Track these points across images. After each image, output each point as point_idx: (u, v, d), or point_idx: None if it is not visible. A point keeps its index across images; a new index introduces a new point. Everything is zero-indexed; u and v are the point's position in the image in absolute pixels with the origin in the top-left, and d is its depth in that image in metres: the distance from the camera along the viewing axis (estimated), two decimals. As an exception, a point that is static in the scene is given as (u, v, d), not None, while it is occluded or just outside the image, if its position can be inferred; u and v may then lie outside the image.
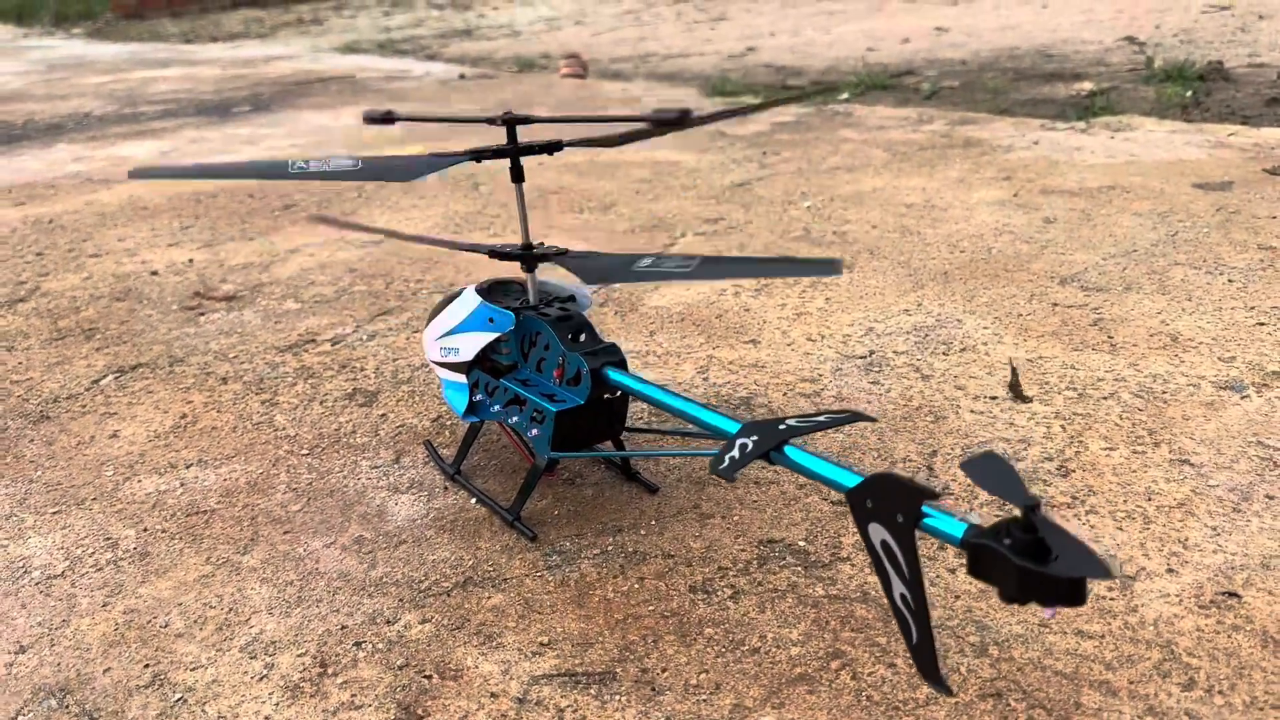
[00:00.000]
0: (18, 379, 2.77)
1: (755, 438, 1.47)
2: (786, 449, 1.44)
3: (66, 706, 1.53)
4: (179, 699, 1.53)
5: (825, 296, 2.98)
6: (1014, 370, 2.35)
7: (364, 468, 2.19)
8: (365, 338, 2.88)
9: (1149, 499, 1.88)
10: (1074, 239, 3.38)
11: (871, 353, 2.58)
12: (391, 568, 1.82)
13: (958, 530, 1.18)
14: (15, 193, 5.16)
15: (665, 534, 1.87)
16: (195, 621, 1.71)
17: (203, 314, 3.17)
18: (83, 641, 1.68)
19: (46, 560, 1.92)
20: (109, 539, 1.98)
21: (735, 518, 1.90)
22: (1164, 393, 2.27)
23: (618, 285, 3.08)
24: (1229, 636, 1.52)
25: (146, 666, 1.61)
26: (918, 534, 1.21)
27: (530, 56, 10.03)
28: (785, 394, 2.38)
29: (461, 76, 8.93)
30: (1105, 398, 2.27)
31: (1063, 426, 2.15)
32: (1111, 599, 1.61)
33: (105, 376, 2.74)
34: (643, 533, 1.88)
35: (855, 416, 1.51)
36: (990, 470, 1.22)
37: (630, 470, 2.05)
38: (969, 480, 1.83)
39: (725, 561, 1.77)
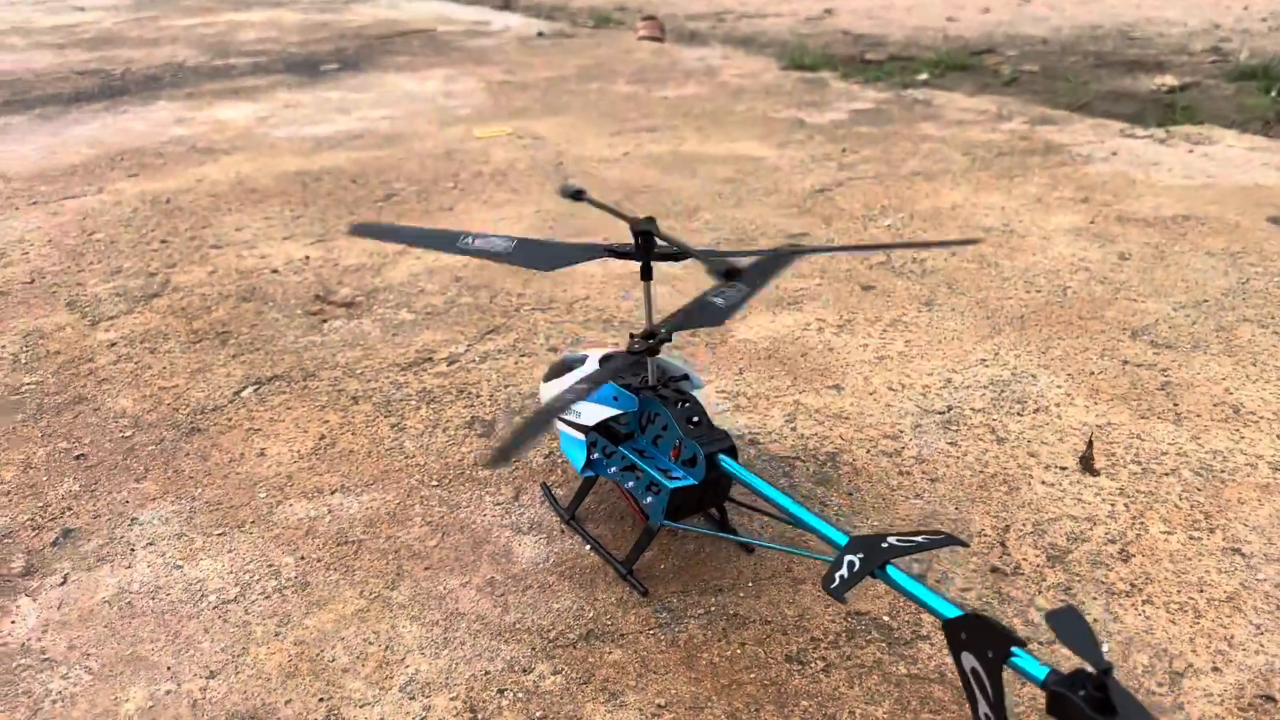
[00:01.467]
0: (164, 385, 3.06)
1: (861, 555, 1.69)
2: (889, 568, 1.66)
3: (263, 737, 1.82)
4: (356, 737, 1.82)
5: (905, 339, 3.17)
6: (1090, 443, 2.54)
7: (488, 503, 2.45)
8: (477, 359, 3.13)
9: (1200, 590, 2.08)
10: (1147, 281, 3.52)
11: (949, 408, 2.78)
12: (522, 614, 2.09)
13: (1040, 673, 1.41)
14: (127, 160, 5.44)
15: (762, 598, 2.11)
16: (358, 657, 1.99)
17: (325, 320, 3.43)
18: (264, 671, 1.97)
19: (220, 585, 2.21)
20: (271, 566, 2.27)
21: (819, 592, 2.13)
22: (1222, 471, 2.46)
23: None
24: (1263, 740, 1.74)
25: (321, 700, 1.90)
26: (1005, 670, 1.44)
27: (606, 10, 10.07)
28: (869, 451, 2.59)
29: (540, 34, 9.04)
30: (1167, 474, 2.45)
31: (1126, 505, 2.35)
32: (1160, 694, 1.84)
33: (245, 388, 3.02)
34: (741, 595, 2.13)
35: (950, 540, 1.73)
36: (1071, 625, 1.45)
37: (726, 523, 2.28)
38: (1049, 607, 2.05)
39: (817, 632, 2.02)
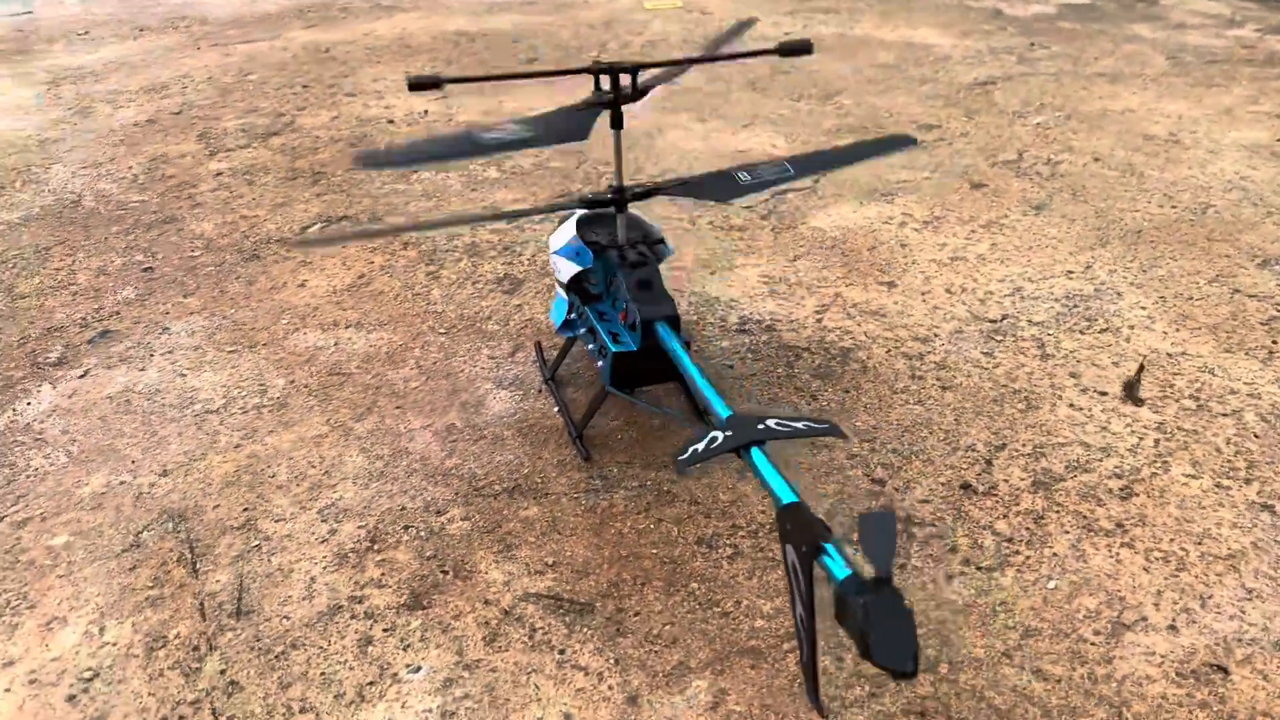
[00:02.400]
0: (247, 214, 3.21)
1: (730, 433, 1.56)
2: (754, 450, 1.52)
3: (177, 532, 1.91)
4: (255, 545, 1.87)
5: (993, 242, 2.87)
6: (1140, 368, 2.23)
7: (483, 356, 2.43)
8: (537, 220, 3.09)
9: (1199, 543, 1.80)
10: (1315, 208, 3.01)
11: (1004, 318, 2.50)
12: (463, 460, 2.07)
13: (840, 575, 1.26)
14: (314, 12, 5.68)
15: (703, 480, 2.00)
16: (296, 477, 2.05)
17: (415, 171, 3.48)
18: (209, 477, 2.06)
19: (210, 396, 2.32)
20: (262, 385, 2.35)
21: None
22: (1298, 422, 2.09)
23: (748, 199, 3.07)
24: (1189, 714, 1.49)
25: (245, 510, 1.97)
26: (816, 567, 1.30)
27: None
28: (889, 351, 2.38)
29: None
30: (1225, 414, 2.12)
31: (1156, 441, 2.05)
32: (1094, 643, 1.61)
33: (314, 224, 3.12)
34: (675, 472, 2.02)
35: (831, 430, 1.56)
36: (878, 529, 1.28)
37: (700, 410, 2.16)
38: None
39: (741, 520, 1.89)
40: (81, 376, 2.41)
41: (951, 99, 4.05)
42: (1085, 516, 1.86)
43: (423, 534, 1.89)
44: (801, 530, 1.33)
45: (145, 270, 2.89)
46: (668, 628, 1.67)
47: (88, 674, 1.62)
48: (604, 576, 1.77)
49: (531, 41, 4.93)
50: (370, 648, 1.65)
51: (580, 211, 2.18)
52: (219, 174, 3.50)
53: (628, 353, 1.94)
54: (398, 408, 2.26)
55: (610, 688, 1.57)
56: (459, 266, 2.85)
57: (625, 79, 1.92)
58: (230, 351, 2.49)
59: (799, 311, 2.57)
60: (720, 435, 1.56)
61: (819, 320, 2.53)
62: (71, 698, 1.58)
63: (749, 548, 1.83)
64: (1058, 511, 1.88)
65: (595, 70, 1.90)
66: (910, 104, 4.00)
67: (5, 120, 4.10)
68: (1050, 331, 2.43)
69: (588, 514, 1.92)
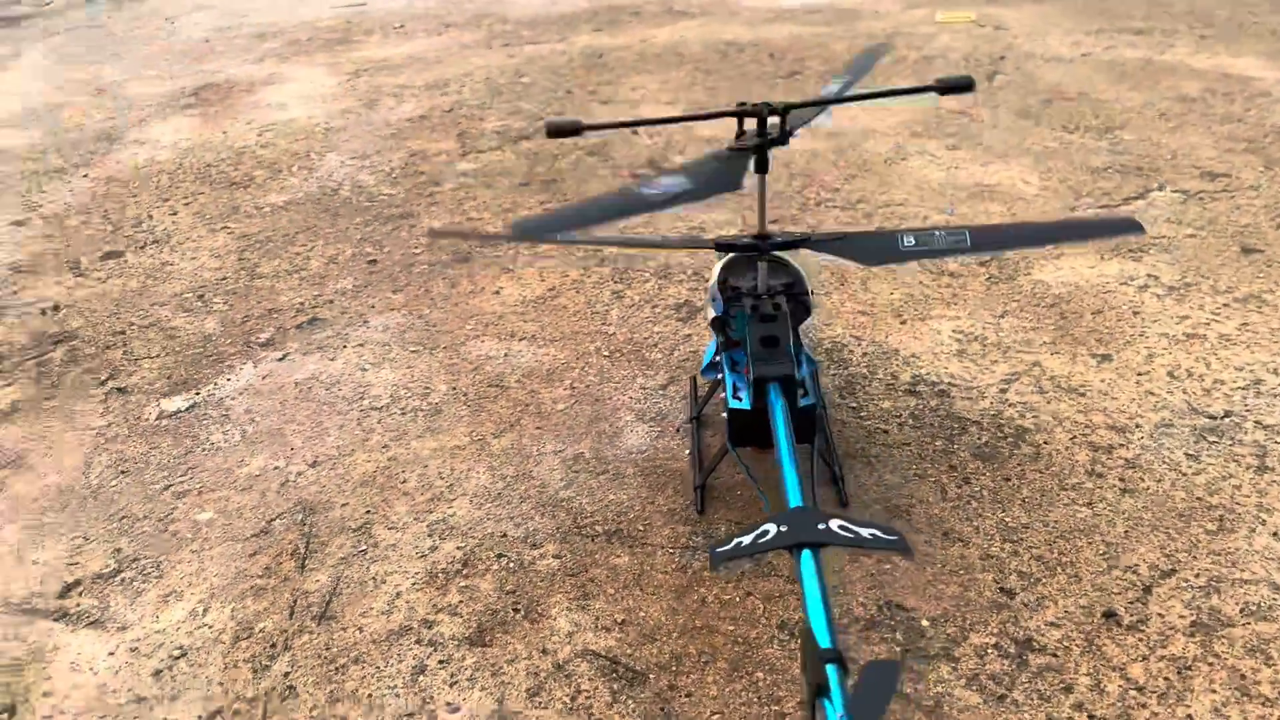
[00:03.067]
0: (474, 216, 3.35)
1: (785, 528, 1.43)
2: (806, 553, 1.39)
3: (302, 525, 2.03)
4: (362, 550, 1.95)
5: (1244, 320, 2.47)
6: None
7: (636, 385, 2.39)
8: (739, 245, 3.00)
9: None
10: None
11: (1227, 415, 2.14)
12: (577, 493, 2.05)
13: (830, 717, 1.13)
14: (606, 15, 5.83)
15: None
16: (422, 486, 2.11)
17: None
18: (349, 474, 2.17)
19: (379, 393, 2.44)
20: (427, 389, 2.44)
21: (894, 568, 1.82)
22: None
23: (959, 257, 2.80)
24: None
25: (367, 512, 2.05)
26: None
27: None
28: (1073, 439, 2.11)
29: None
30: None
31: (1373, 600, 1.68)
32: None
33: (528, 231, 3.21)
34: None
35: (898, 546, 1.39)
36: (879, 681, 1.14)
37: (838, 479, 2.01)
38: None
39: (837, 611, 1.74)
40: (280, 359, 2.61)
41: (1254, 143, 3.52)
42: (1244, 676, 1.55)
43: (512, 565, 1.89)
44: (814, 665, 1.20)
45: (370, 263, 3.08)
46: (715, 718, 1.56)
47: (177, 652, 1.75)
48: (670, 646, 1.69)
49: (800, 55, 4.80)
50: (421, 677, 1.67)
51: (727, 258, 2.09)
52: (463, 174, 3.68)
53: (741, 410, 1.84)
54: (538, 428, 2.27)
55: (631, 770, 1.49)
56: (644, 288, 2.82)
57: (773, 120, 1.81)
58: (412, 351, 2.60)
59: (984, 378, 2.33)
60: (774, 529, 1.43)
61: (1003, 391, 2.28)
62: (157, 673, 1.72)
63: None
64: (1211, 664, 1.58)
65: (740, 114, 1.81)
66: (1201, 145, 3.52)
67: (305, 107, 4.53)
68: (1279, 440, 2.06)
69: (677, 573, 1.84)
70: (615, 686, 1.63)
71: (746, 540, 1.44)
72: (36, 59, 5.65)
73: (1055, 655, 1.63)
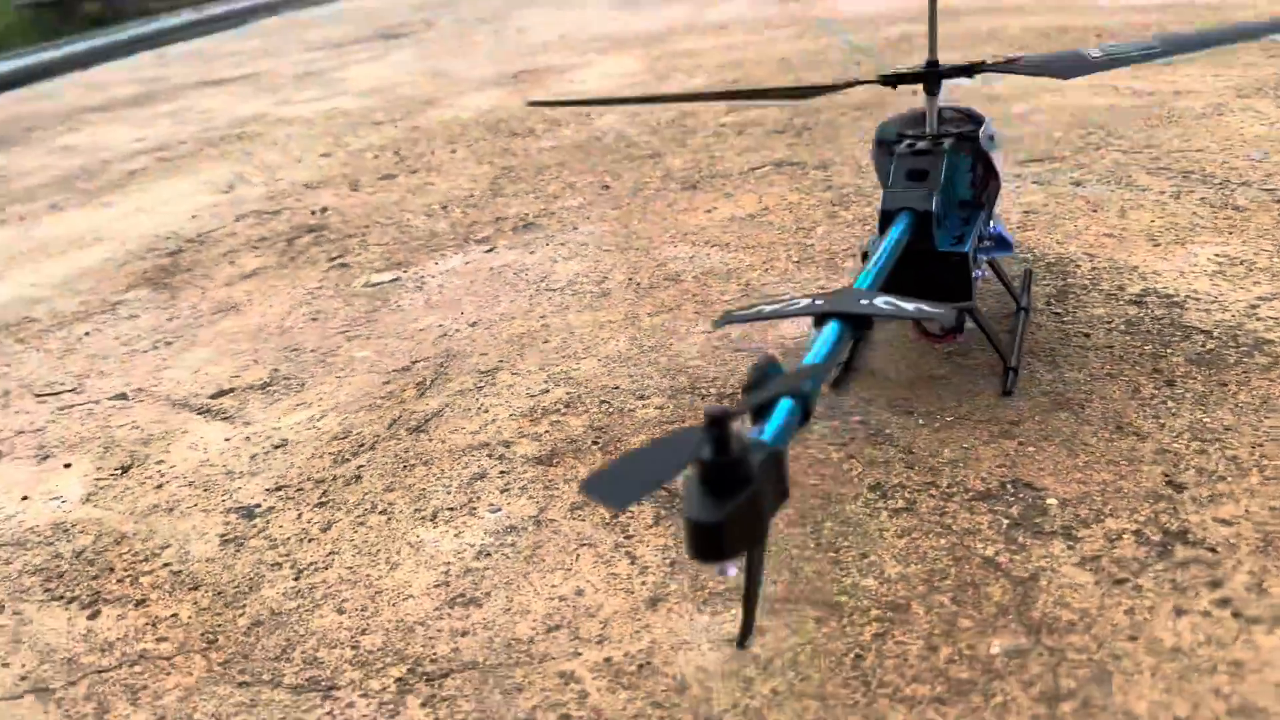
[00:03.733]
0: (717, 155, 3.29)
1: (820, 302, 1.23)
2: (834, 324, 1.18)
3: (441, 366, 2.04)
4: (480, 386, 1.92)
5: None
6: None
7: (815, 286, 2.21)
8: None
9: None
10: None
11: None
12: (709, 364, 1.91)
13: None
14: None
15: (944, 431, 1.59)
16: (561, 347, 2.06)
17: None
18: (501, 334, 2.16)
19: (559, 278, 2.43)
20: (604, 277, 2.40)
21: (1037, 451, 1.52)
22: None
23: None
24: None
25: (500, 361, 2.03)
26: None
27: None
28: None
29: None
30: None
31: None
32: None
33: (764, 166, 3.09)
34: (923, 421, 1.63)
35: (945, 319, 1.15)
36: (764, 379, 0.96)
37: (1009, 370, 1.72)
38: None
39: (946, 480, 1.47)
40: (487, 251, 2.68)
41: None
42: None
43: (611, 410, 1.77)
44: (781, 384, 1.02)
45: (603, 188, 3.10)
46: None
47: (279, 443, 1.80)
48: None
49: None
50: (478, 483, 1.60)
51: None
52: (723, 125, 3.63)
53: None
54: (695, 312, 2.14)
55: (642, 585, 1.33)
56: (862, 210, 2.61)
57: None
58: (605, 250, 2.57)
59: (1234, 295, 1.90)
60: (807, 301, 1.23)
61: (1254, 307, 1.85)
62: (254, 456, 1.78)
63: (928, 509, 1.41)
64: None
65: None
66: None
67: (602, 82, 4.70)
68: None
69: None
70: (663, 512, 1.46)
71: (769, 308, 1.25)
72: (400, 57, 6.34)
73: (1213, 550, 1.26)
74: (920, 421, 1.63)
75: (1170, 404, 1.59)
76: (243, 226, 3.12)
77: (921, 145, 1.69)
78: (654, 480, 0.83)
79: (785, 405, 1.00)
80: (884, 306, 1.20)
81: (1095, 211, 2.38)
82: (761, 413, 1.00)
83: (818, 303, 1.24)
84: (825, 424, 1.65)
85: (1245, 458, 1.43)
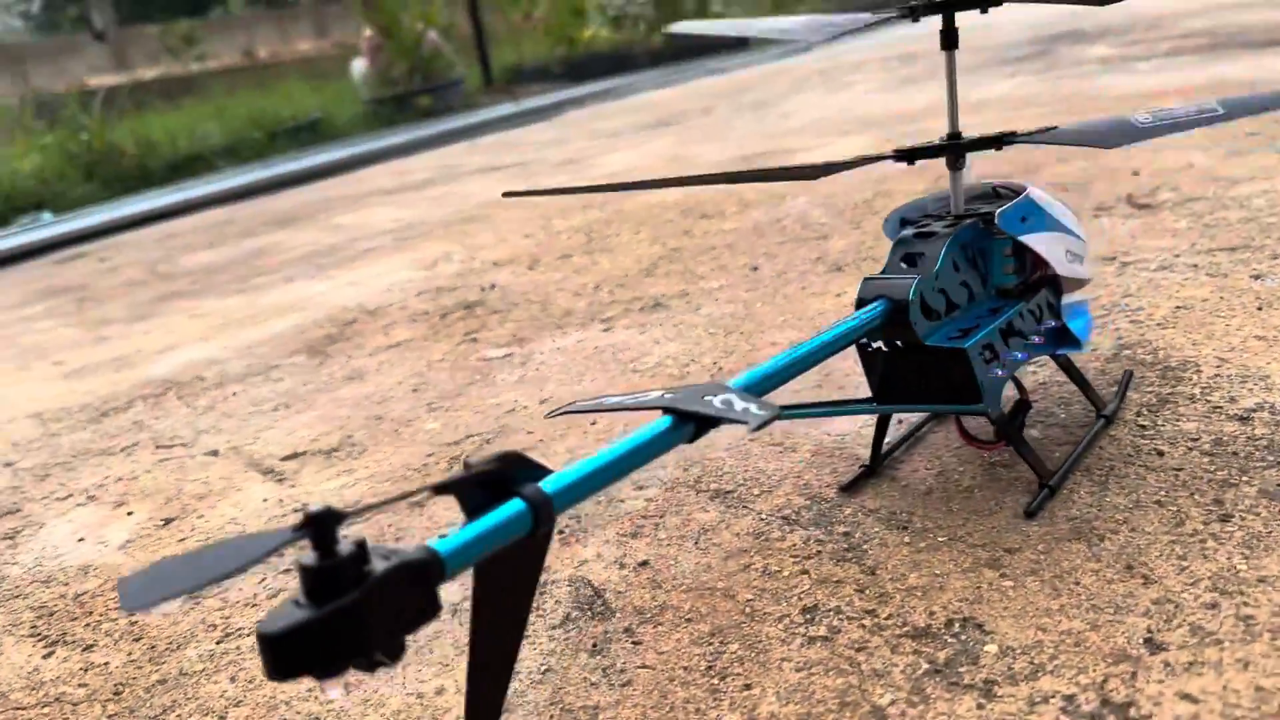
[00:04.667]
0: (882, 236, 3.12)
1: (671, 394, 1.13)
2: (666, 419, 1.09)
3: (486, 445, 2.06)
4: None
5: None
6: None
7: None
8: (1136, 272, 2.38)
9: None
10: None
11: None
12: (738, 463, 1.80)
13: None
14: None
15: (926, 553, 1.40)
16: (605, 429, 2.02)
17: (1104, 214, 2.94)
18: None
19: (651, 359, 2.39)
20: (688, 364, 2.34)
21: (1019, 585, 1.30)
22: None
23: None
24: None
25: (540, 441, 2.02)
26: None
27: None
28: None
29: None
30: None
31: None
32: None
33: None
34: (909, 540, 1.44)
35: (755, 423, 1.02)
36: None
37: (1044, 487, 1.49)
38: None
39: (889, 611, 1.29)
40: (603, 330, 2.69)
41: None
42: None
43: (600, 498, 1.71)
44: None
45: (751, 269, 3.04)
46: (655, 659, 1.25)
47: (303, 505, 1.89)
48: (679, 596, 1.39)
49: None
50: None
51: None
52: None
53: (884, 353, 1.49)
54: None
55: (504, 684, 1.25)
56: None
57: None
58: (710, 333, 2.51)
59: None
60: (657, 394, 1.13)
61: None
62: (273, 519, 1.87)
63: (847, 643, 1.24)
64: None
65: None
66: None
67: (853, 143, 4.60)
68: None
69: (729, 534, 1.50)
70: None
71: (614, 399, 1.17)
72: (656, 144, 6.55)
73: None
74: (907, 539, 1.44)
75: (1210, 544, 1.30)
76: (418, 300, 3.33)
77: (928, 227, 1.52)
78: (203, 579, 0.77)
79: (509, 509, 0.91)
80: (719, 406, 1.07)
81: (1261, 310, 2.02)
82: (478, 510, 0.92)
83: (667, 396, 1.13)
84: (806, 532, 1.49)
85: (1263, 619, 1.14)
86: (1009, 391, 1.69)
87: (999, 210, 1.48)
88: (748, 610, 1.33)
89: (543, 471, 0.95)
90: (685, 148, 6.07)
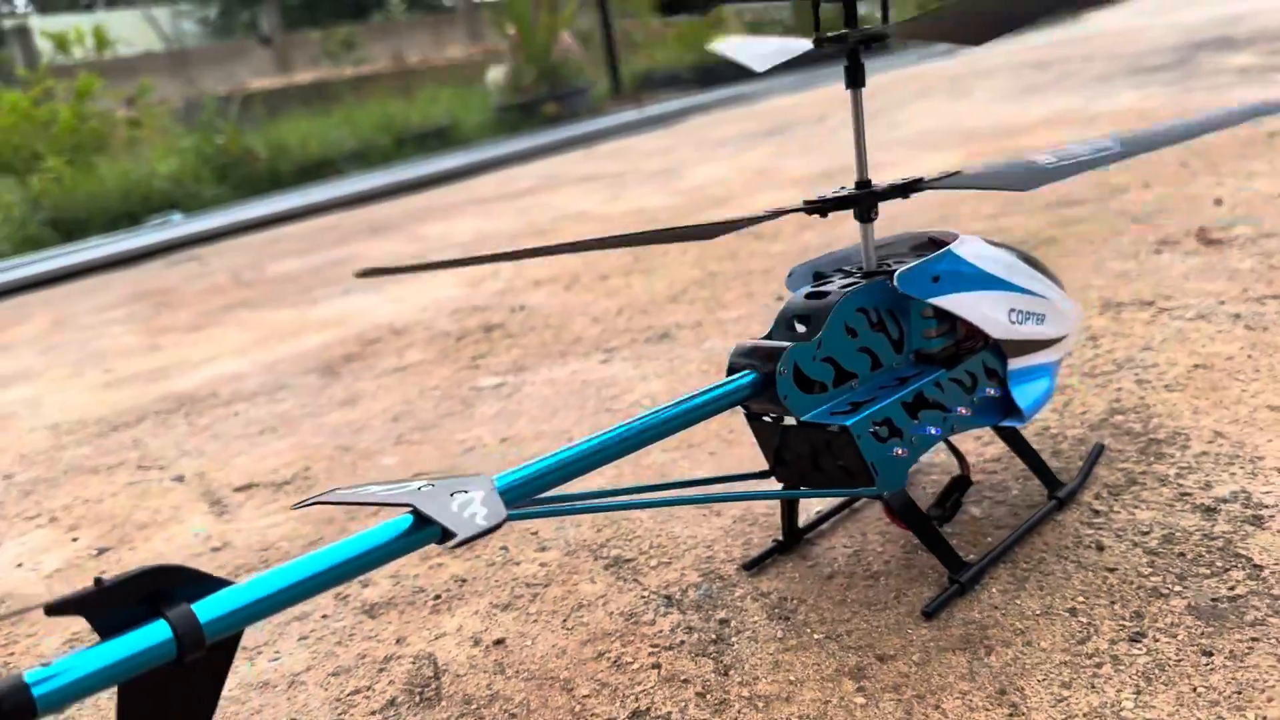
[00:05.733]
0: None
1: (394, 490, 1.03)
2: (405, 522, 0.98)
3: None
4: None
5: None
6: None
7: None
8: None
9: None
10: None
11: None
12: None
13: None
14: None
15: (792, 653, 1.25)
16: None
17: (1163, 249, 2.67)
18: (513, 455, 2.06)
19: (630, 398, 2.27)
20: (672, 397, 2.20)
21: (873, 703, 1.15)
22: None
23: None
24: None
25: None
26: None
27: None
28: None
29: None
30: None
31: None
32: None
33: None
34: (782, 635, 1.30)
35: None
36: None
37: (953, 581, 1.32)
38: None
39: (740, 717, 1.15)
40: (601, 361, 2.59)
41: None
42: None
43: (479, 554, 1.61)
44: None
45: (777, 299, 2.88)
46: None
47: (224, 544, 1.85)
48: (517, 685, 1.28)
49: None
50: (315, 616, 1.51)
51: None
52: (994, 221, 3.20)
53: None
54: (712, 453, 1.89)
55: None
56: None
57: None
58: (704, 370, 2.37)
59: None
60: (424, 486, 1.02)
61: None
62: (198, 555, 1.84)
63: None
64: None
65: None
66: None
67: (936, 159, 4.36)
68: None
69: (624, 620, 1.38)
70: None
71: (376, 489, 1.06)
72: (751, 155, 6.37)
73: None
74: (780, 634, 1.29)
75: (1106, 670, 1.11)
76: (447, 320, 3.30)
77: (824, 286, 1.36)
78: None
79: (144, 634, 0.80)
80: (453, 508, 0.96)
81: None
82: (116, 632, 0.81)
83: (424, 488, 1.01)
84: (682, 616, 1.36)
85: (1122, 779, 0.95)
86: (945, 466, 1.51)
87: (897, 271, 1.31)
88: (576, 709, 1.20)
89: (214, 585, 0.85)
90: (778, 160, 5.89)
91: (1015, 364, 1.47)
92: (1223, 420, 1.63)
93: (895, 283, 1.30)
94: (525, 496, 1.05)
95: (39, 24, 18.48)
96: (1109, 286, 2.41)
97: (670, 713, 1.17)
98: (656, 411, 1.19)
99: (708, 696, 1.19)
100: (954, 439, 1.77)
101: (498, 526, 0.93)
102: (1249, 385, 1.74)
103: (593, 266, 3.74)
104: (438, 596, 1.53)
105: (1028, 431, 1.73)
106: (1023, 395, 1.45)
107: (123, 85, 11.85)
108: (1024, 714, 1.06)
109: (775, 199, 4.48)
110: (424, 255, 4.73)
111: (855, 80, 1.35)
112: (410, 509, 0.96)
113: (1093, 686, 1.09)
